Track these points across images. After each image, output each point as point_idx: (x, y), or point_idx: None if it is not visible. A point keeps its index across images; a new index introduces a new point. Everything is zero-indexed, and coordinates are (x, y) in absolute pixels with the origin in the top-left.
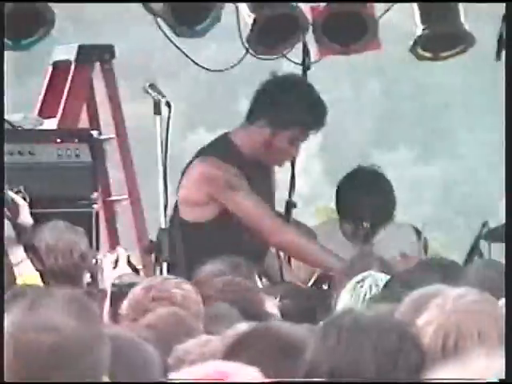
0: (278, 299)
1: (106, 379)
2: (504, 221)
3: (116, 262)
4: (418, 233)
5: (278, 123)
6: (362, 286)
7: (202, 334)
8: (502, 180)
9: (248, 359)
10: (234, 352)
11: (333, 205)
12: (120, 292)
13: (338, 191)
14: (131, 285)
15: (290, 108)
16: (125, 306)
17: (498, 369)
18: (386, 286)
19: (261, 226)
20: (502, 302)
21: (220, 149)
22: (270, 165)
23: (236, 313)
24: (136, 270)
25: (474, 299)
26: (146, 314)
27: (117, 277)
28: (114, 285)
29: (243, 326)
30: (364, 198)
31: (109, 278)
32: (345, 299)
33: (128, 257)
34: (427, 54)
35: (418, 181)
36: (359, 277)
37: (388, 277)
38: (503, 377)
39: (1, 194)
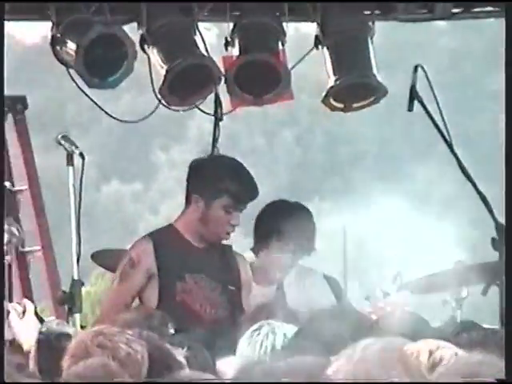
0: (185, 350)
1: None
2: None
3: (23, 312)
4: (332, 282)
5: (209, 194)
6: (258, 334)
7: None
8: (418, 230)
9: None
10: None
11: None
12: (47, 340)
13: (259, 217)
14: (60, 335)
15: (218, 178)
16: (72, 344)
17: None
18: (296, 335)
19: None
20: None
21: (157, 230)
22: (215, 240)
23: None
24: (42, 322)
25: (383, 347)
26: (88, 357)
27: (43, 324)
28: (41, 333)
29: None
30: (288, 224)
31: (16, 328)
32: (242, 347)
33: (35, 308)
34: (339, 105)
35: (333, 231)
36: (256, 325)
37: (283, 324)
38: None
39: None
